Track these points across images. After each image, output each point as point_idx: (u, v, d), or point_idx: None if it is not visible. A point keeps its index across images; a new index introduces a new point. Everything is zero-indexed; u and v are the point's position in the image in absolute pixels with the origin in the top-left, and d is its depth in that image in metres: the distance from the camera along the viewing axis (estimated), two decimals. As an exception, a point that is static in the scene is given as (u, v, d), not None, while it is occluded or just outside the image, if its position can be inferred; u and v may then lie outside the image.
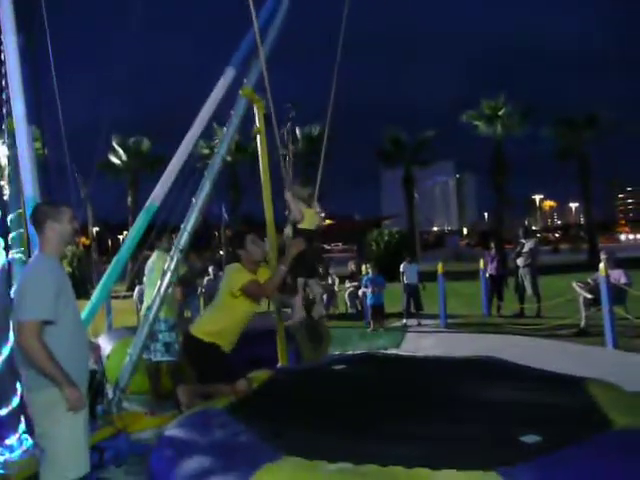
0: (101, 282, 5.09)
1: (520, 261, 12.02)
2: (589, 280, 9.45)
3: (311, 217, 4.80)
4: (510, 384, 4.03)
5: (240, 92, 5.46)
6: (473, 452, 2.72)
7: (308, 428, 3.17)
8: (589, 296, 9.17)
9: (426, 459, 2.59)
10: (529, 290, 11.90)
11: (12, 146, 5.16)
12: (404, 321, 11.66)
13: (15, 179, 5.07)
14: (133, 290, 13.72)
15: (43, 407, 2.80)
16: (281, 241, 5.29)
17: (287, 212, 4.90)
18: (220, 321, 4.34)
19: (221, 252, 25.62)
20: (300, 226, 4.72)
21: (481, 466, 2.49)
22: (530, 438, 2.94)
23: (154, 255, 6.17)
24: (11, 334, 3.66)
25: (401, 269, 12.31)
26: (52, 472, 2.82)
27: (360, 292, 12.62)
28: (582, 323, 9.28)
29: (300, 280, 4.88)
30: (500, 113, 28.74)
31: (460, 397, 3.72)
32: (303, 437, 3.02)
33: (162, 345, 5.76)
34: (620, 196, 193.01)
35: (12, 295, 3.06)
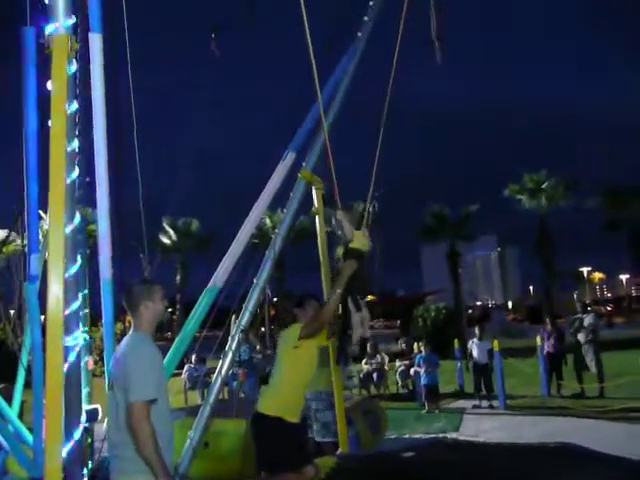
0: (164, 361, 5.09)
1: (581, 337, 11.51)
2: (658, 358, 8.96)
3: (361, 237, 4.79)
4: (595, 476, 3.76)
5: (299, 175, 5.64)
6: None
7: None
8: (660, 375, 8.65)
9: None
10: (592, 368, 11.30)
11: (80, 230, 5.42)
12: (477, 402, 11.04)
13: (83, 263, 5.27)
14: (181, 369, 13.73)
15: None
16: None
17: (339, 232, 4.90)
18: (283, 385, 4.26)
19: (262, 329, 25.53)
20: (351, 246, 4.71)
21: None
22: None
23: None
24: (83, 417, 3.68)
25: (469, 346, 11.91)
26: None
27: (412, 371, 12.25)
28: (654, 405, 8.70)
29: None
30: (543, 186, 28.63)
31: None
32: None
33: (322, 426, 5.57)
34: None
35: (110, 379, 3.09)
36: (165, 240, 30.63)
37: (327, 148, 4.87)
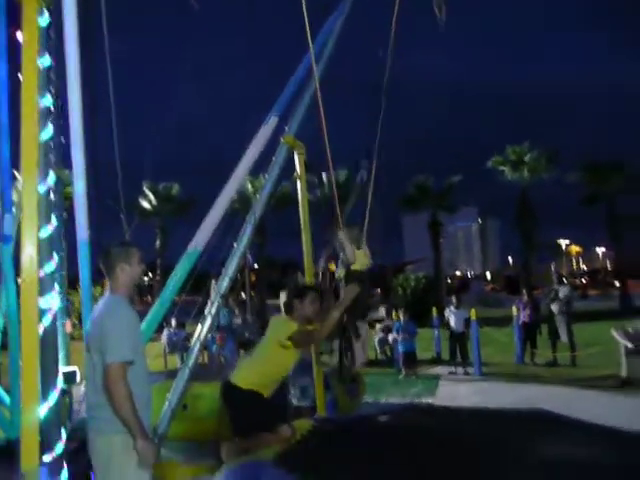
0: (143, 325, 5.06)
1: (555, 308, 11.77)
2: (629, 329, 9.18)
3: (362, 258, 4.74)
4: (564, 439, 3.87)
5: (282, 139, 5.56)
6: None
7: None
8: (630, 345, 8.88)
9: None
10: (563, 338, 11.62)
11: (57, 192, 5.29)
12: (453, 369, 11.36)
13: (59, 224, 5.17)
14: (160, 333, 13.74)
15: (111, 454, 2.77)
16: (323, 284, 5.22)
17: (341, 254, 4.84)
18: (263, 372, 4.27)
19: (243, 295, 25.57)
20: (353, 267, 4.64)
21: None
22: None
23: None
24: (59, 379, 3.65)
25: (446, 315, 12.09)
26: None
27: (390, 338, 12.43)
28: (623, 373, 8.96)
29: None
30: (526, 158, 28.74)
31: (515, 454, 3.57)
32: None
33: (300, 390, 5.60)
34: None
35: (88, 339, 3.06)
36: (145, 204, 30.28)
37: (318, 103, 4.74)
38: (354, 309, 4.43)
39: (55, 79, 3.91)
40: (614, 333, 9.34)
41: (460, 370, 11.14)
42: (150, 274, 30.58)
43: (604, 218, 30.11)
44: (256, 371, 4.31)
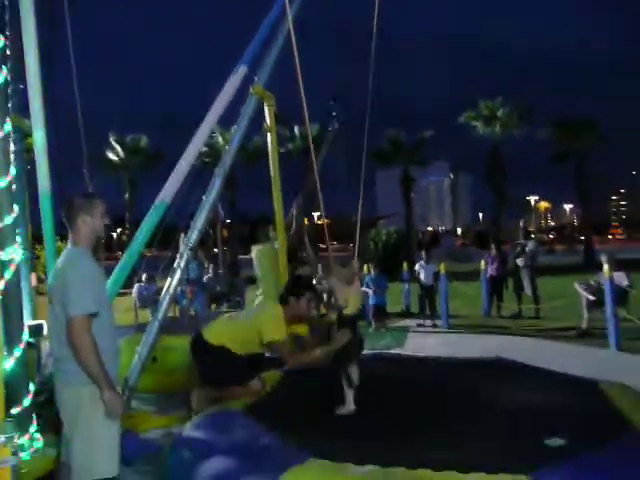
0: (111, 278, 5.00)
1: (521, 262, 12.04)
2: (591, 282, 9.46)
3: (354, 299, 4.55)
4: (524, 386, 4.02)
5: (251, 90, 5.41)
6: (501, 456, 2.70)
7: (328, 430, 3.14)
8: (592, 298, 9.17)
9: (454, 462, 2.57)
10: (527, 291, 11.94)
11: (17, 142, 5.09)
12: (422, 321, 11.58)
13: (20, 175, 4.99)
14: (131, 287, 13.63)
15: (79, 405, 2.77)
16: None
17: (331, 298, 4.69)
18: (236, 343, 4.28)
19: (216, 250, 25.46)
20: (345, 312, 4.45)
21: (510, 470, 2.46)
22: (554, 442, 2.93)
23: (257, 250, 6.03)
24: (25, 334, 3.60)
25: (416, 268, 12.25)
26: (82, 472, 2.77)
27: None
28: (584, 325, 9.29)
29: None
30: (498, 113, 28.76)
31: (479, 400, 3.70)
32: (324, 439, 3.00)
33: None
34: (613, 198, 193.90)
35: (50, 291, 3.00)
36: (112, 156, 29.51)
37: (291, 43, 4.55)
38: (346, 353, 4.28)
39: (9, 20, 3.71)
40: (576, 286, 9.62)
41: (428, 322, 11.39)
42: (119, 228, 30.14)
43: (573, 175, 30.60)
44: (229, 339, 4.32)
